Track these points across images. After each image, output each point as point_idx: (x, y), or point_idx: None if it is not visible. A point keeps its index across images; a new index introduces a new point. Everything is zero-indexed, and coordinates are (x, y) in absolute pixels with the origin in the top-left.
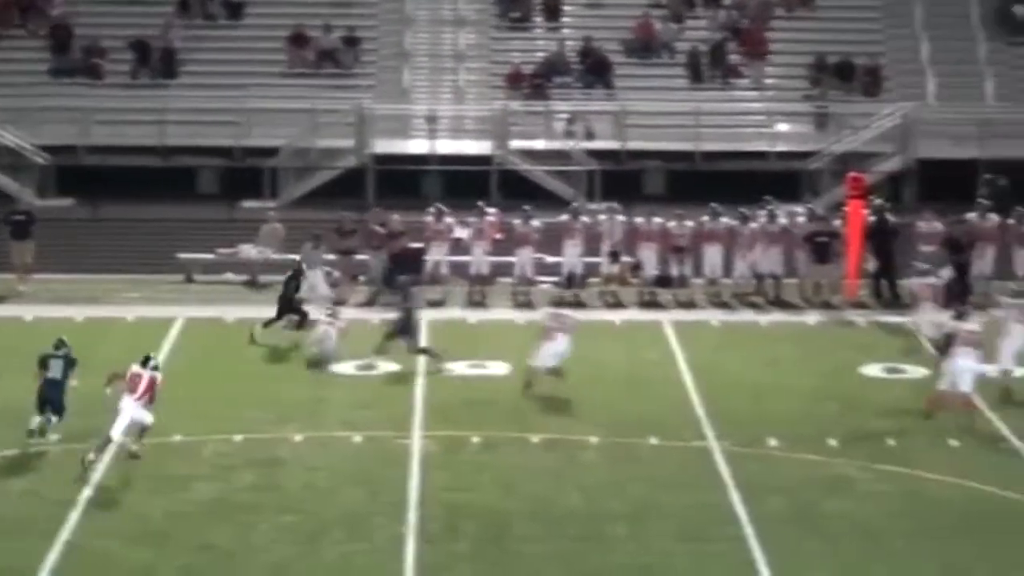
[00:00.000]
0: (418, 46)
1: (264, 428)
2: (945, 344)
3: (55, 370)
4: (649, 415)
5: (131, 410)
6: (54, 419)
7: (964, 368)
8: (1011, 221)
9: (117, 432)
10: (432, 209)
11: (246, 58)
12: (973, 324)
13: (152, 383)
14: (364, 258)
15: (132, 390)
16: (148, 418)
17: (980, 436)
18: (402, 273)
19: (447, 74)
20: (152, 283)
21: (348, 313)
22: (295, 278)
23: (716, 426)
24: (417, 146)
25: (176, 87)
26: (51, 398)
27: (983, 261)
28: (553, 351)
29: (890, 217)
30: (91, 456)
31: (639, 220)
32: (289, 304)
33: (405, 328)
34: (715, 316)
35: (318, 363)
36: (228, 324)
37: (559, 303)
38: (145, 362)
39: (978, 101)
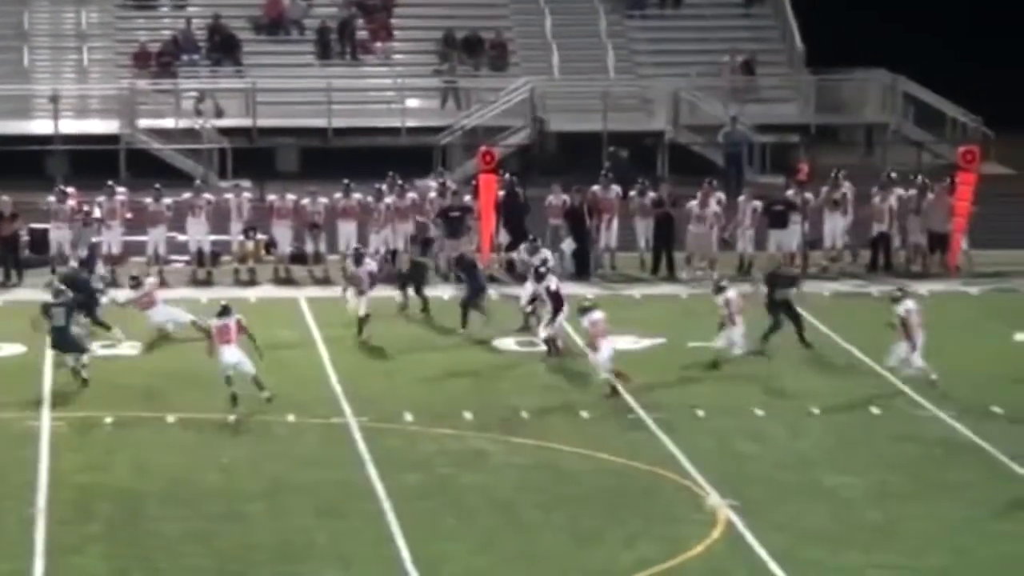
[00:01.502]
0: (38, 25)
1: None
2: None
3: (59, 318)
4: (286, 393)
5: (236, 356)
6: (83, 357)
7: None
8: (632, 193)
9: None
10: (56, 190)
11: None
12: (553, 282)
13: (240, 325)
14: None
15: (228, 340)
16: (250, 368)
17: (610, 408)
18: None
19: (70, 53)
20: None
21: None
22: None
23: (353, 402)
24: (40, 126)
25: None
26: (63, 344)
27: (608, 233)
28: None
29: (520, 190)
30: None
31: (272, 197)
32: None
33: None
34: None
35: None
36: None
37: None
38: (224, 313)
39: (601, 74)
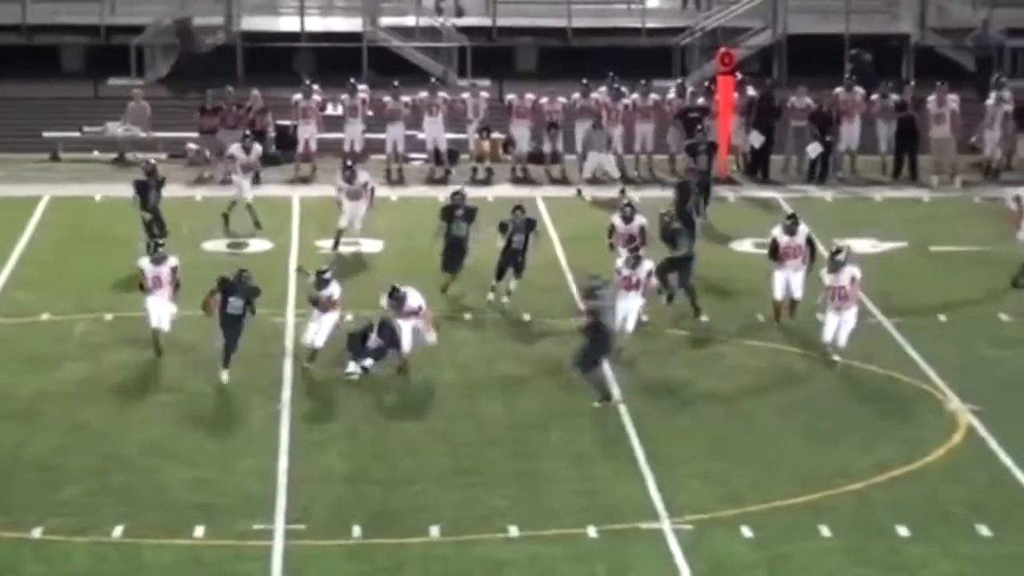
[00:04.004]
0: None
1: (135, 307)
2: None
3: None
4: (525, 293)
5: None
6: None
7: None
8: (875, 96)
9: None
10: (302, 86)
11: None
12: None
13: None
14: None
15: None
16: None
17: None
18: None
19: None
20: (16, 162)
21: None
22: None
23: None
24: (287, 23)
25: None
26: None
27: (848, 136)
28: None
29: (774, 94)
30: None
31: (511, 96)
32: None
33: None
34: (589, 192)
35: None
36: (96, 202)
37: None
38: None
39: None
